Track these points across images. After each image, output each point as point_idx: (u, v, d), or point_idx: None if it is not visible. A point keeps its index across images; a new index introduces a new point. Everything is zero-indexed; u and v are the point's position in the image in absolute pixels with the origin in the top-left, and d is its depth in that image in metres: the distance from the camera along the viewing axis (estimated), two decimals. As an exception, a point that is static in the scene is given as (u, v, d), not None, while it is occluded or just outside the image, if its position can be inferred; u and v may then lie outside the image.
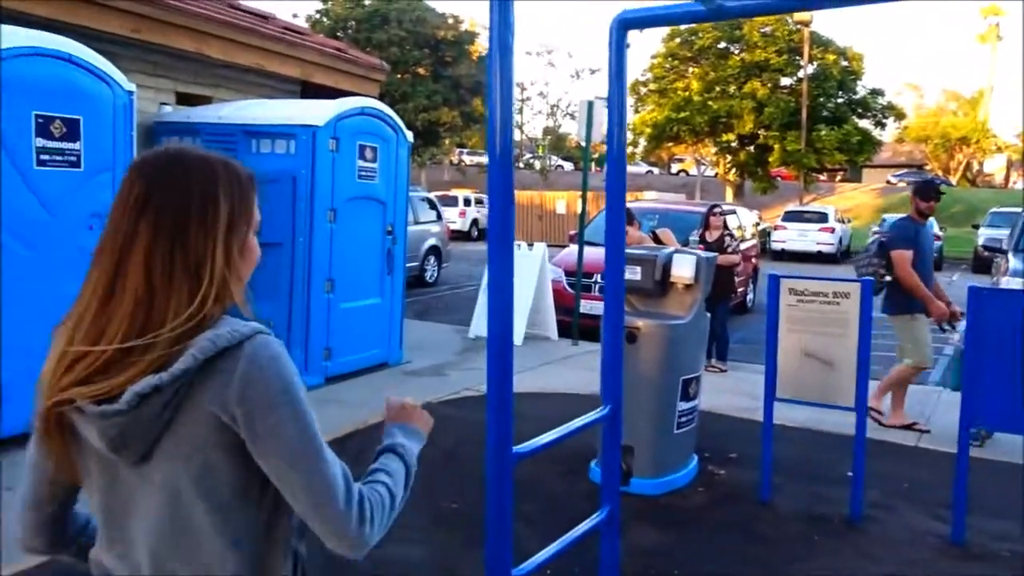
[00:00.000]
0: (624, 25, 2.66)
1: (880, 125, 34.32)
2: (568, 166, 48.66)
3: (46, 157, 4.58)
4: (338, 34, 30.48)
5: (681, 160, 47.49)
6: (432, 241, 13.92)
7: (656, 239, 7.05)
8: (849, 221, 28.82)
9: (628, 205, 10.33)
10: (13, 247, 4.44)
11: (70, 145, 4.69)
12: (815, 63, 31.84)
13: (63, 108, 4.63)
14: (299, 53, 7.68)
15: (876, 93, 33.15)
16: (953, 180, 48.96)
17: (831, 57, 31.93)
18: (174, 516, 1.16)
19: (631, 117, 35.08)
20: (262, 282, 6.24)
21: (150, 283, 1.14)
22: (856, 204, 39.65)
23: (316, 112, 6.13)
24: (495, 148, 1.96)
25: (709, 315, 4.91)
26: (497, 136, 1.95)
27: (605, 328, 2.55)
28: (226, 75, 7.24)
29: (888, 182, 47.81)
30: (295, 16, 32.30)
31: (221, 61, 6.92)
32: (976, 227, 23.56)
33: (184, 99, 6.90)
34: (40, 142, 4.53)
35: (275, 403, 1.13)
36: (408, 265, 8.08)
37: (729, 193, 34.66)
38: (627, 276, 4.58)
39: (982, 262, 19.02)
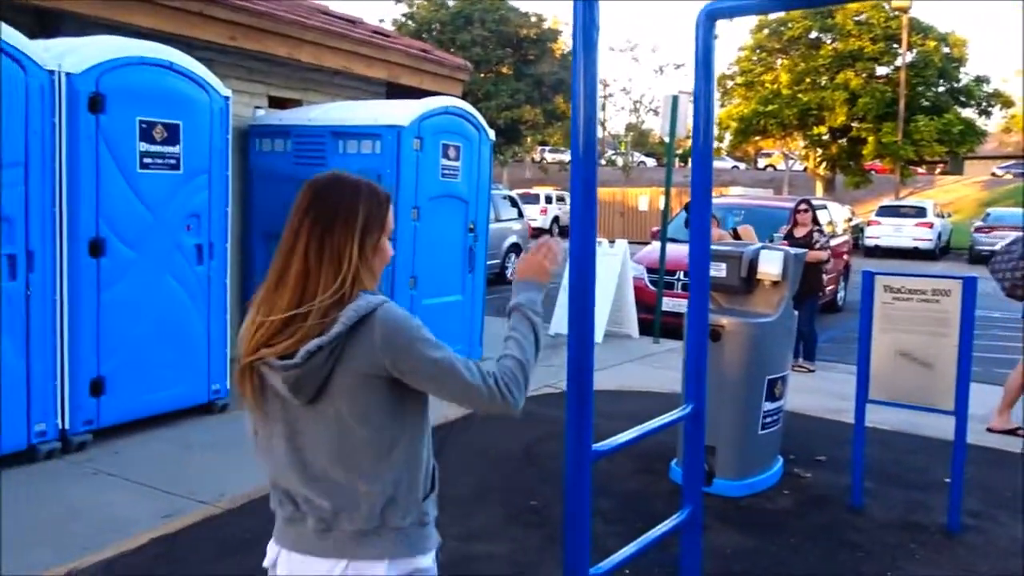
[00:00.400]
0: (713, 15, 2.60)
1: (985, 114, 32.47)
2: (650, 162, 48.04)
3: (148, 160, 4.82)
4: (423, 36, 30.96)
5: (768, 155, 46.17)
6: (513, 239, 14.00)
7: (736, 236, 6.91)
8: (948, 215, 27.45)
9: (712, 201, 10.10)
10: (118, 247, 4.70)
11: (170, 149, 4.93)
12: (914, 50, 30.39)
13: (164, 113, 4.87)
14: (386, 56, 7.84)
15: (981, 80, 31.40)
16: (1066, 172, 45.97)
17: (932, 44, 30.41)
18: (342, 439, 1.60)
19: (716, 111, 34.33)
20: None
21: (307, 267, 1.58)
22: (958, 197, 37.71)
23: (401, 112, 6.24)
24: (579, 146, 1.96)
25: (796, 313, 4.77)
26: (580, 134, 1.95)
27: (689, 326, 2.51)
28: (315, 78, 7.46)
29: (993, 174, 45.26)
30: (381, 20, 32.86)
31: (312, 65, 7.14)
32: (1090, 222, 22.09)
33: (276, 102, 7.15)
34: (143, 146, 4.77)
35: (408, 348, 1.57)
36: (489, 263, 8.14)
37: (819, 188, 33.50)
38: (712, 273, 4.49)
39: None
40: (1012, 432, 5.44)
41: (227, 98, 5.31)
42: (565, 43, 34.05)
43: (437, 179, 6.44)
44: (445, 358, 1.58)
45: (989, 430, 5.44)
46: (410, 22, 33.89)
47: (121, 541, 3.50)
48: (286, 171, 6.46)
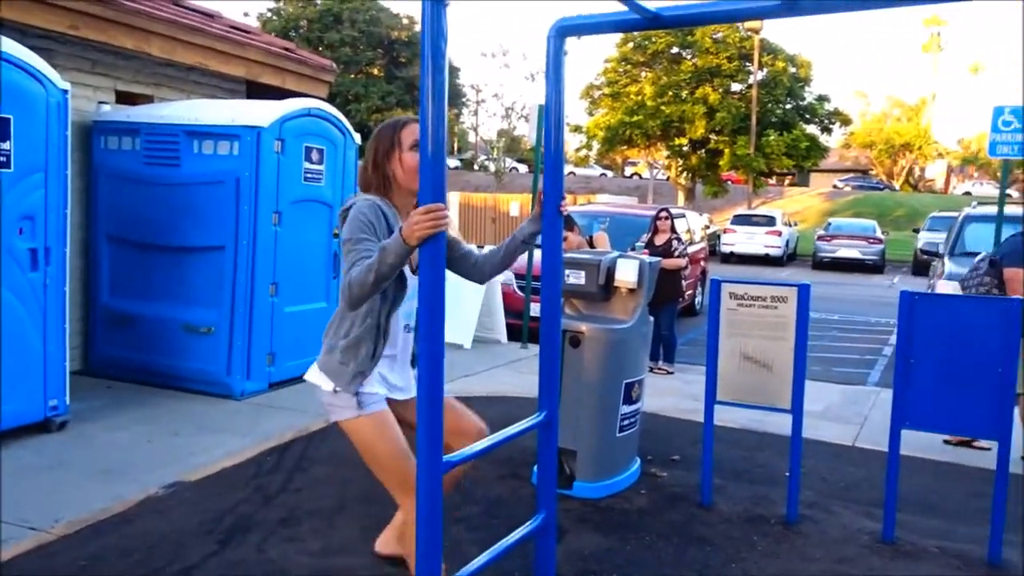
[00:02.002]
0: (562, 32, 2.69)
1: (827, 131, 35.13)
2: (523, 168, 48.68)
3: (-27, 157, 4.42)
4: (290, 34, 30.10)
5: (634, 163, 47.99)
6: (383, 243, 13.81)
7: (591, 244, 7.14)
8: (795, 224, 29.47)
9: (571, 210, 10.34)
10: (-62, 250, 4.28)
11: (-1, 145, 4.54)
12: (765, 69, 32.44)
13: (-8, 106, 4.49)
14: (245, 52, 7.55)
15: (822, 99, 33.92)
16: (896, 185, 50.36)
17: (780, 64, 32.57)
18: None
19: (584, 120, 35.34)
20: (205, 284, 6.11)
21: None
22: (804, 207, 40.54)
23: (261, 113, 6.03)
24: (427, 152, 1.95)
25: (652, 319, 4.96)
26: (429, 141, 1.94)
27: (542, 336, 2.56)
28: (168, 74, 7.09)
29: (835, 186, 49.01)
30: (246, 15, 31.72)
31: (163, 60, 6.78)
32: (916, 231, 24.27)
33: (124, 98, 6.73)
34: (-33, 141, 4.38)
35: (344, 235, 2.44)
36: (356, 268, 7.97)
37: (681, 196, 35.11)
38: (572, 280, 4.61)
39: (921, 265, 19.59)
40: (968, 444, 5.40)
41: (66, 91, 4.96)
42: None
43: (300, 183, 6.27)
44: (350, 251, 2.37)
45: None
46: (276, 18, 32.86)
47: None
48: (135, 171, 6.10)
